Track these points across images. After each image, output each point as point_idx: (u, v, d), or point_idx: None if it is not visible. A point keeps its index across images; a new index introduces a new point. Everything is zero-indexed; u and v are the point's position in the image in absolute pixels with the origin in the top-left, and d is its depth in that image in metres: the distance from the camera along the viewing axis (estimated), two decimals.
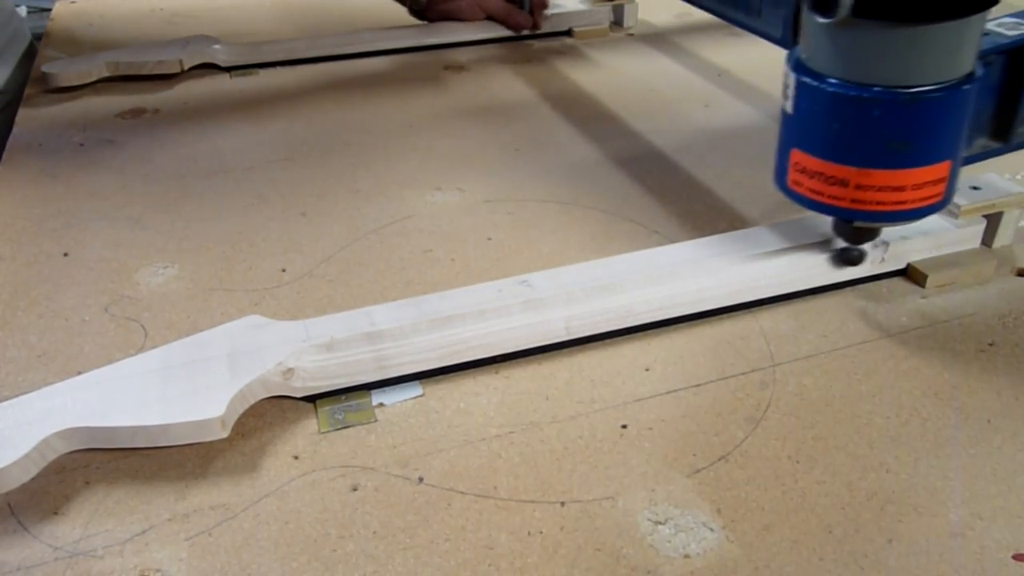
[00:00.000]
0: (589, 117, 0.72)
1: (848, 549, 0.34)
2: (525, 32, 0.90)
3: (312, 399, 0.42)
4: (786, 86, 0.41)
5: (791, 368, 0.43)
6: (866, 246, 0.47)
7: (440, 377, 0.43)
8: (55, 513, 0.36)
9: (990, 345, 0.44)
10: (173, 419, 0.37)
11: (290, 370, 0.40)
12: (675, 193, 0.59)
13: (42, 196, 0.62)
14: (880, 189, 0.40)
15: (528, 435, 0.39)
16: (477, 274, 0.51)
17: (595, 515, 0.35)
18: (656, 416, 0.40)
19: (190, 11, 1.03)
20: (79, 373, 0.41)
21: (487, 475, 0.37)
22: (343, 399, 0.42)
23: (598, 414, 0.40)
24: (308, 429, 0.40)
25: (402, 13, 0.93)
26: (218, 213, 0.59)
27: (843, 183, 0.40)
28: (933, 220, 0.49)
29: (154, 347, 0.42)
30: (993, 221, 0.49)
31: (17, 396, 0.39)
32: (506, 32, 0.90)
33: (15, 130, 0.72)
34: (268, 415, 0.41)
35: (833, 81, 0.39)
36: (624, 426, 0.40)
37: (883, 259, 0.48)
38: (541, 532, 0.35)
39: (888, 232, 0.47)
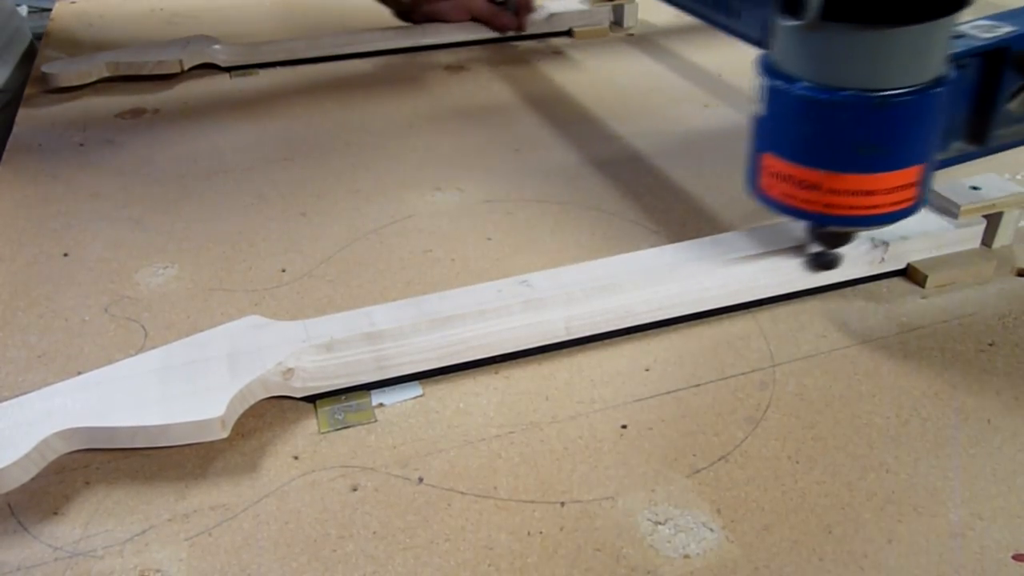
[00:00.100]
0: (589, 117, 0.72)
1: (848, 549, 0.34)
2: (511, 33, 0.89)
3: (312, 399, 0.42)
4: (757, 89, 0.41)
5: (791, 368, 0.43)
6: (866, 246, 0.47)
7: (440, 377, 0.43)
8: (55, 513, 0.36)
9: (990, 345, 0.44)
10: (173, 419, 0.37)
11: (290, 370, 0.40)
12: (675, 193, 0.59)
13: (42, 196, 0.62)
14: (852, 193, 0.39)
15: (528, 435, 0.39)
16: (477, 274, 0.51)
17: (595, 515, 0.35)
18: (656, 416, 0.40)
19: (190, 11, 1.03)
20: (79, 373, 0.41)
21: (487, 475, 0.37)
22: (343, 399, 0.42)
23: (598, 414, 0.40)
24: (308, 429, 0.40)
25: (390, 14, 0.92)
26: (218, 213, 0.59)
27: (814, 187, 0.40)
28: (933, 220, 0.49)
29: (154, 347, 0.42)
30: (993, 221, 0.49)
31: (17, 396, 0.39)
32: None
33: (15, 130, 0.72)
34: (268, 415, 0.41)
35: (803, 84, 0.38)
36: (624, 426, 0.40)
37: (883, 259, 0.48)
38: (541, 532, 0.35)
39: (888, 232, 0.47)
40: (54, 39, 0.94)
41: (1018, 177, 0.59)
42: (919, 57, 0.37)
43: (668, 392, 0.42)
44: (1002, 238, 0.50)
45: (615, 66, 0.83)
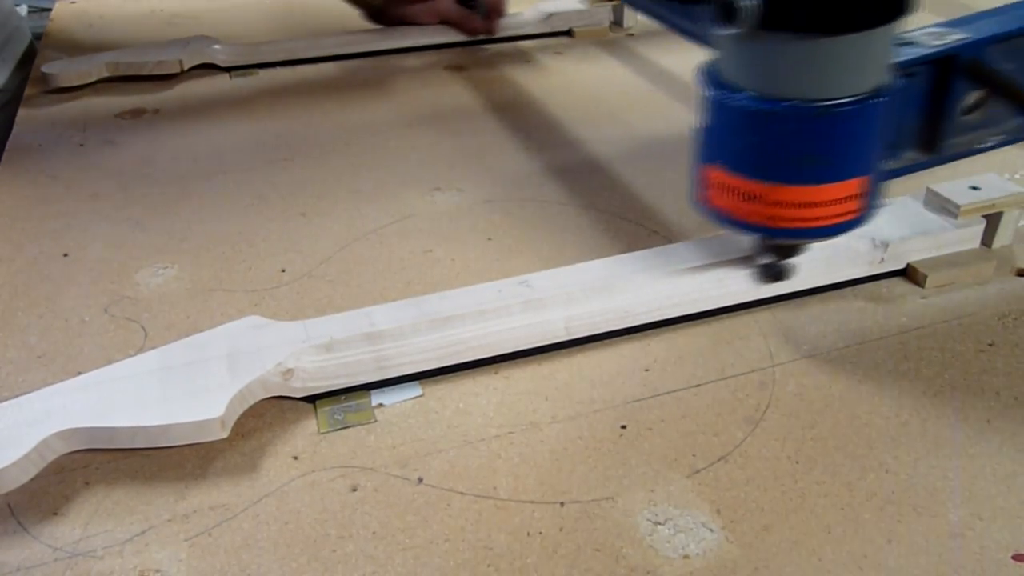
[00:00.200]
0: (590, 118, 0.72)
1: (848, 549, 0.34)
2: (481, 37, 0.88)
3: (312, 399, 0.42)
4: (699, 98, 0.40)
5: (791, 368, 0.43)
6: (866, 246, 0.47)
7: (440, 377, 0.43)
8: (55, 514, 0.36)
9: (990, 345, 0.44)
10: (173, 419, 0.37)
11: (290, 370, 0.40)
12: (675, 193, 0.59)
13: (42, 197, 0.62)
14: (795, 205, 0.38)
15: (528, 435, 0.39)
16: (477, 274, 0.51)
17: (595, 515, 0.35)
18: (656, 416, 0.40)
19: (190, 12, 1.03)
20: (79, 374, 0.41)
21: (487, 475, 0.37)
22: (343, 399, 0.42)
23: (598, 414, 0.40)
24: (308, 429, 0.40)
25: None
26: (218, 213, 0.59)
27: (758, 199, 0.38)
28: (933, 220, 0.49)
29: (154, 348, 0.42)
30: (993, 221, 0.49)
31: (17, 396, 0.39)
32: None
33: (15, 130, 0.72)
34: (268, 415, 0.41)
35: (742, 94, 0.37)
36: (624, 426, 0.40)
37: (883, 259, 0.48)
38: (540, 532, 0.35)
39: (888, 232, 0.47)
40: (54, 39, 0.94)
41: (1017, 177, 0.59)
42: (858, 67, 0.36)
43: (668, 392, 0.42)
44: (1002, 238, 0.50)
45: (615, 66, 0.83)
